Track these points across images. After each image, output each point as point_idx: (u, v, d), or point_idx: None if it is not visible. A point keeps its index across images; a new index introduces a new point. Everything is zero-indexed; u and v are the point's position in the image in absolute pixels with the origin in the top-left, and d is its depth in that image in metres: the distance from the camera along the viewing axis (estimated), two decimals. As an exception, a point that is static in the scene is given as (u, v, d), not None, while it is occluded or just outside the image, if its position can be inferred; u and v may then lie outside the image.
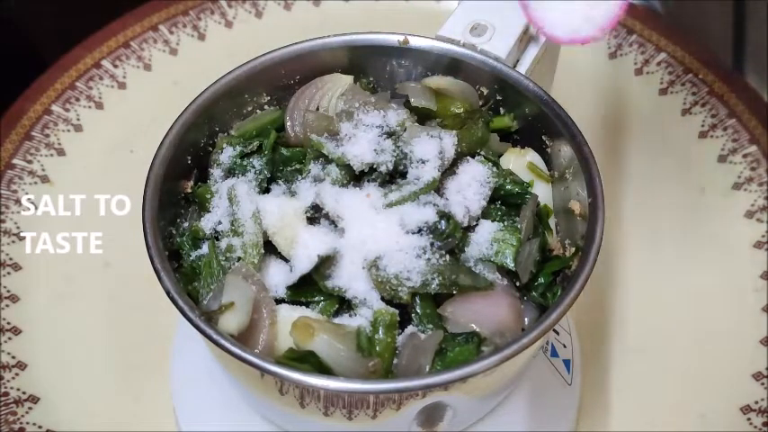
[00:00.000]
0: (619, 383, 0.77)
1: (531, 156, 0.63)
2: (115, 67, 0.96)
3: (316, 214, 0.58)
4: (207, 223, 0.59)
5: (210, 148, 0.63)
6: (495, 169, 0.61)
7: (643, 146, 0.92)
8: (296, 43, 0.64)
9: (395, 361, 0.53)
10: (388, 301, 0.54)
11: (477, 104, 0.64)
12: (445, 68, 0.64)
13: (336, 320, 0.54)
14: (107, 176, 0.89)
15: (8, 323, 0.79)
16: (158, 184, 0.57)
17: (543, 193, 0.63)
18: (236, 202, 0.58)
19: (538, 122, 0.63)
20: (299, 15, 1.02)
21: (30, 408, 0.74)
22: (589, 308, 0.80)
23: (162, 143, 0.59)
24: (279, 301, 0.56)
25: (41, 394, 0.75)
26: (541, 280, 0.59)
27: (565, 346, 0.73)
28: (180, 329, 0.74)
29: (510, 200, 0.60)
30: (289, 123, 0.63)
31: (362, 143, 0.58)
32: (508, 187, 0.60)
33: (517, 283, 0.58)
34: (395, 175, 0.59)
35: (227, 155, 0.62)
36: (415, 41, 0.64)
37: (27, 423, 0.73)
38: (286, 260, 0.57)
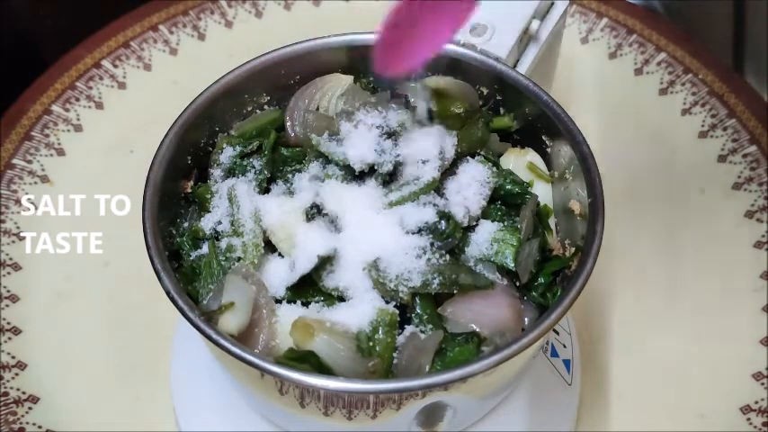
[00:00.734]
0: (619, 383, 0.77)
1: (531, 156, 0.63)
2: (115, 67, 0.96)
3: (316, 214, 0.58)
4: (207, 223, 0.59)
5: (210, 148, 0.63)
6: (495, 169, 0.61)
7: (643, 146, 0.92)
8: (296, 43, 0.64)
9: (395, 361, 0.53)
10: (388, 302, 0.54)
11: (477, 104, 0.64)
12: (445, 68, 0.64)
13: (336, 320, 0.54)
14: (107, 176, 0.89)
15: (8, 323, 0.79)
16: (158, 184, 0.57)
17: (543, 193, 0.63)
18: (236, 202, 0.58)
19: (538, 122, 0.63)
20: (299, 15, 1.02)
21: (30, 408, 0.74)
22: (589, 308, 0.80)
23: (162, 143, 0.59)
24: (279, 301, 0.56)
25: (41, 394, 0.75)
26: (541, 280, 0.59)
27: (565, 346, 0.73)
28: (180, 329, 0.74)
29: (510, 200, 0.60)
30: (289, 123, 0.63)
31: (362, 143, 0.58)
32: (508, 187, 0.60)
33: (517, 283, 0.58)
34: (395, 175, 0.59)
35: (227, 155, 0.62)
36: (415, 41, 0.64)
37: (27, 423, 0.73)
38: (286, 260, 0.57)
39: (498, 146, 0.64)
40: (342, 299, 0.55)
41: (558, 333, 0.72)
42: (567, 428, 0.72)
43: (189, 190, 0.62)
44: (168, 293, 0.53)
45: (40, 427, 0.73)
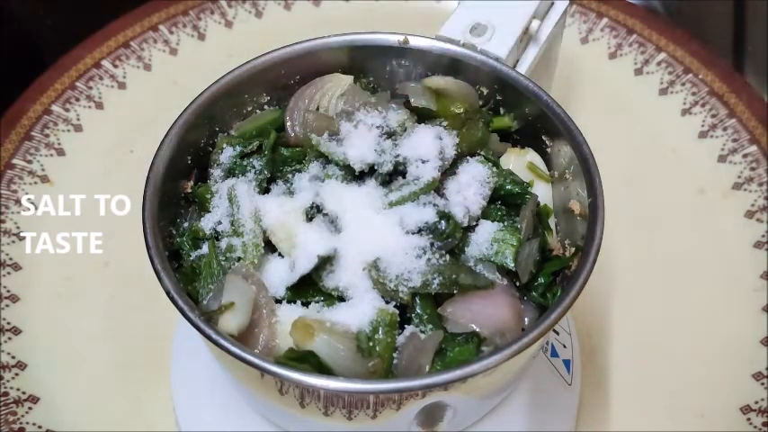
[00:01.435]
0: (619, 383, 0.77)
1: (531, 156, 0.63)
2: (115, 67, 0.96)
3: (316, 214, 0.58)
4: (207, 223, 0.59)
5: (210, 148, 0.63)
6: (495, 169, 0.61)
7: (643, 146, 0.92)
8: (296, 43, 0.64)
9: (395, 361, 0.53)
10: (388, 302, 0.54)
11: (477, 104, 0.64)
12: (445, 68, 0.64)
13: (336, 320, 0.54)
14: (107, 176, 0.89)
15: (8, 323, 0.79)
16: (158, 184, 0.57)
17: (543, 193, 0.63)
18: (236, 202, 0.58)
19: (538, 122, 0.63)
20: (299, 15, 1.02)
21: (30, 408, 0.74)
22: (589, 308, 0.80)
23: (162, 143, 0.59)
24: (279, 301, 0.56)
25: (41, 394, 0.75)
26: (541, 280, 0.58)
27: (565, 346, 0.73)
28: (180, 329, 0.74)
29: (510, 200, 0.60)
30: (289, 123, 0.63)
31: (362, 143, 0.58)
32: (508, 187, 0.60)
33: (517, 284, 0.58)
34: (395, 175, 0.59)
35: (227, 155, 0.62)
36: (415, 41, 0.64)
37: (27, 423, 0.73)
38: (286, 260, 0.57)
39: (498, 146, 0.64)
40: (342, 299, 0.55)
41: (558, 333, 0.72)
42: (566, 428, 0.72)
43: (189, 190, 0.62)
44: (168, 293, 0.53)
45: (40, 427, 0.73)
